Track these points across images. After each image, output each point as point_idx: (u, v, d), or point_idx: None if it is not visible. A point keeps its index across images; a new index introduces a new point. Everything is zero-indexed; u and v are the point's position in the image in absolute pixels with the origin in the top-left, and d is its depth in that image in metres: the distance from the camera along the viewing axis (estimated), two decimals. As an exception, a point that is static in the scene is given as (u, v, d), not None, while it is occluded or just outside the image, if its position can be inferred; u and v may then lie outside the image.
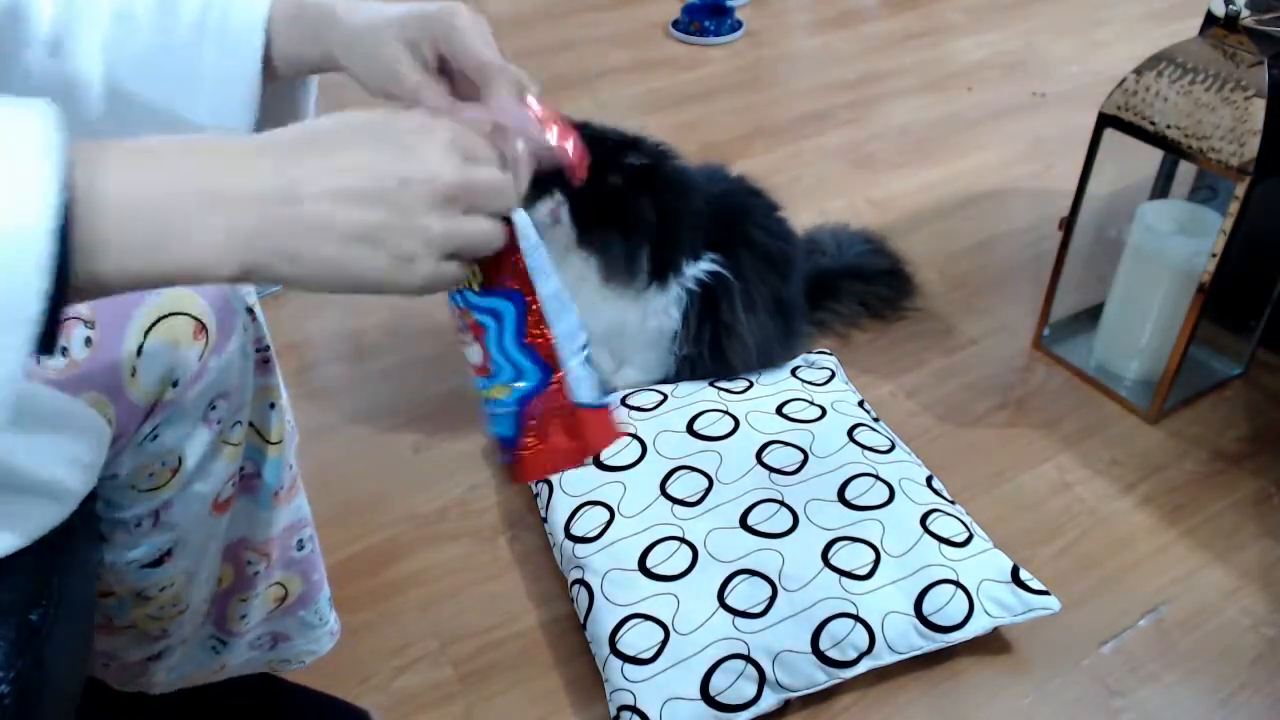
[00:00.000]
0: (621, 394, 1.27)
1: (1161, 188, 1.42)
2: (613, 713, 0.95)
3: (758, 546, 1.05)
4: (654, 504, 1.10)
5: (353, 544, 1.19)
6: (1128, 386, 1.38)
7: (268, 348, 0.74)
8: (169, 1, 0.64)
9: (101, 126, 0.63)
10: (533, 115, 0.63)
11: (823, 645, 0.97)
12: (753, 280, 1.28)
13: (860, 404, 1.27)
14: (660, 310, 1.26)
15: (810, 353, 1.39)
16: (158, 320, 0.60)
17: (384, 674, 1.04)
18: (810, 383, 1.30)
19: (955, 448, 1.30)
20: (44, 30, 0.63)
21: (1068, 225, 1.36)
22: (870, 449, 1.17)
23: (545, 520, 1.15)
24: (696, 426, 1.20)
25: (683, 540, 1.06)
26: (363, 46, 0.64)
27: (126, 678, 0.82)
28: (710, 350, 1.30)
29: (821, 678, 0.97)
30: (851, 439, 1.18)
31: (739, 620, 0.99)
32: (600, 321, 1.28)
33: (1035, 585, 1.03)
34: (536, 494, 1.18)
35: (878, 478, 1.12)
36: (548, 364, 0.69)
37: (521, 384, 0.71)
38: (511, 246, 0.59)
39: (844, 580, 1.01)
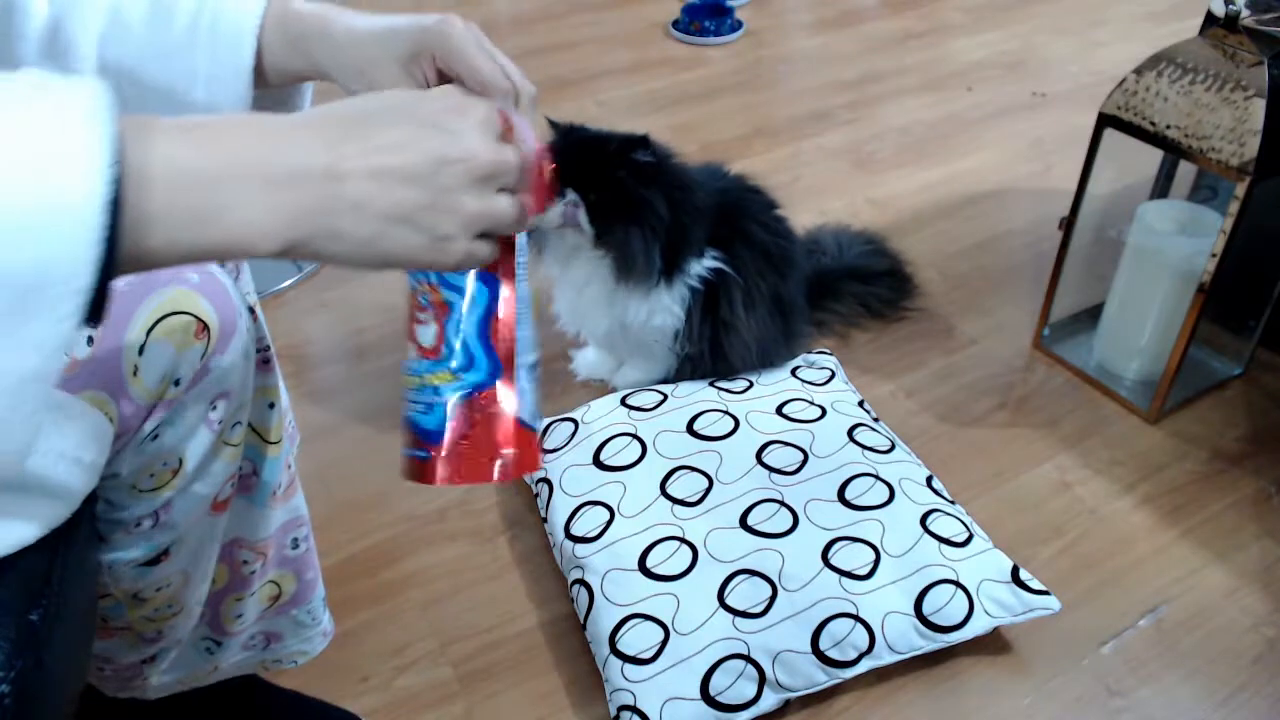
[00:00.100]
0: (622, 394, 1.27)
1: (1161, 188, 1.42)
2: (613, 713, 0.95)
3: (758, 546, 1.05)
4: (654, 504, 1.10)
5: (353, 544, 1.19)
6: (1128, 386, 1.38)
7: (268, 348, 0.74)
8: (161, 6, 0.65)
9: None
10: (529, 127, 0.63)
11: (823, 645, 0.97)
12: (752, 277, 1.28)
13: (860, 404, 1.27)
14: (664, 308, 1.26)
15: (810, 353, 1.39)
16: (160, 319, 0.60)
17: (384, 674, 1.04)
18: (810, 383, 1.30)
19: (955, 448, 1.30)
20: (39, 25, 0.63)
21: (1068, 225, 1.36)
22: (870, 449, 1.17)
23: (545, 520, 1.15)
24: (696, 426, 1.20)
25: (683, 540, 1.06)
26: (351, 59, 0.65)
27: (121, 682, 0.82)
28: (710, 348, 1.30)
29: (821, 678, 0.97)
30: (851, 439, 1.18)
31: (739, 620, 0.99)
32: (604, 321, 1.28)
33: (1035, 585, 1.03)
34: (537, 494, 1.18)
35: (878, 478, 1.12)
36: (502, 364, 0.67)
37: (468, 376, 0.68)
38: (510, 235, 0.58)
39: (844, 580, 1.01)
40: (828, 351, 1.40)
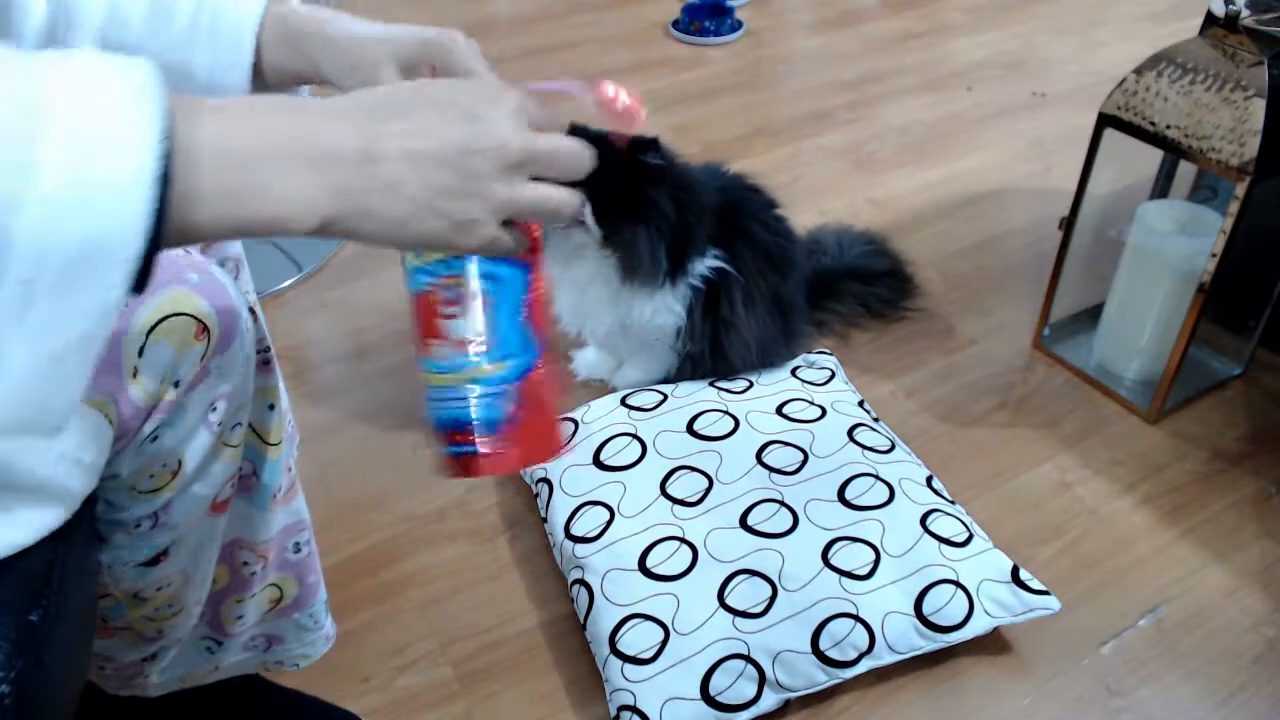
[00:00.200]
0: (621, 394, 1.27)
1: (1161, 188, 1.42)
2: (613, 713, 0.95)
3: (758, 546, 1.05)
4: (654, 504, 1.10)
5: (353, 544, 1.19)
6: (1128, 386, 1.38)
7: (268, 349, 0.74)
8: (161, 5, 0.65)
9: None
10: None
11: (823, 645, 0.97)
12: (752, 276, 1.28)
13: (860, 404, 1.27)
14: (667, 307, 1.26)
15: (810, 353, 1.39)
16: (160, 320, 0.60)
17: (384, 674, 1.04)
18: (810, 383, 1.30)
19: (955, 448, 1.30)
20: (37, 23, 0.63)
21: (1068, 225, 1.36)
22: (870, 449, 1.17)
23: (545, 520, 1.15)
24: (696, 426, 1.20)
25: (683, 540, 1.06)
26: (351, 61, 0.66)
27: (122, 680, 0.82)
28: (711, 347, 1.30)
29: (821, 678, 0.97)
30: (851, 439, 1.18)
31: (739, 620, 0.99)
32: (607, 321, 1.29)
33: (1035, 585, 1.03)
34: (536, 494, 1.18)
35: (878, 478, 1.12)
36: (539, 346, 0.68)
37: (517, 360, 0.68)
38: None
39: (844, 580, 1.01)
40: (828, 351, 1.40)
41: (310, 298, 1.62)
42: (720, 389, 1.28)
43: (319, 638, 0.92)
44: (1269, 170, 1.12)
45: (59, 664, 0.57)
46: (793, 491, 1.11)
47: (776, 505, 1.09)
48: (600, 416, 1.22)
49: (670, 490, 1.12)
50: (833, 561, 1.03)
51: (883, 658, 0.99)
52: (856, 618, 0.98)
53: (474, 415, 0.70)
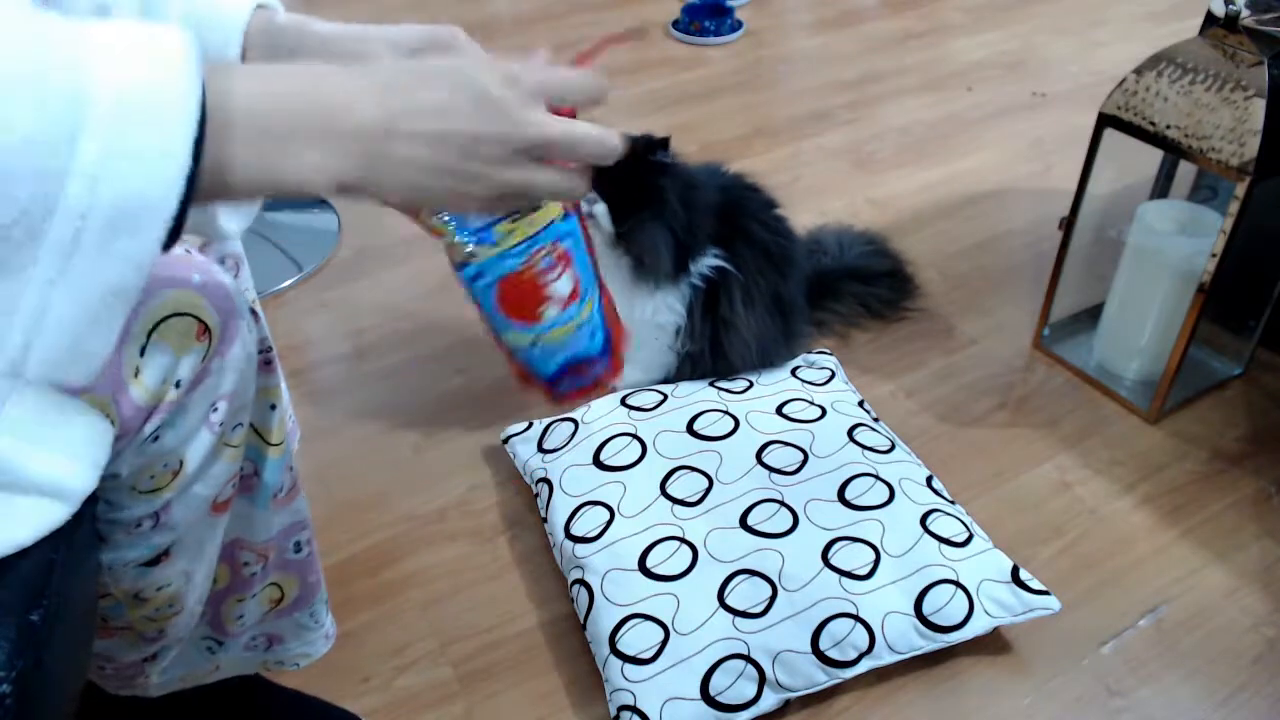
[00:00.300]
0: (622, 394, 1.27)
1: (1161, 188, 1.42)
2: (613, 713, 0.95)
3: (758, 546, 1.05)
4: (654, 504, 1.10)
5: (353, 544, 1.19)
6: (1128, 386, 1.38)
7: (270, 349, 0.74)
8: (149, 6, 0.66)
9: None
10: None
11: (823, 645, 0.97)
12: (752, 275, 1.28)
13: (860, 404, 1.27)
14: (668, 306, 1.26)
15: (810, 353, 1.39)
16: (161, 321, 0.60)
17: (384, 674, 1.04)
18: (810, 383, 1.30)
19: (955, 448, 1.30)
20: None
21: (1068, 225, 1.36)
22: (870, 449, 1.17)
23: (545, 520, 1.15)
24: (696, 426, 1.20)
25: (683, 540, 1.06)
26: (349, 51, 0.66)
27: (122, 680, 0.82)
28: (710, 347, 1.30)
29: (821, 678, 0.97)
30: (851, 439, 1.18)
31: (739, 620, 0.99)
32: None
33: (1035, 585, 1.03)
34: (536, 494, 1.18)
35: (878, 478, 1.12)
36: (600, 280, 0.81)
37: (597, 295, 0.82)
38: None
39: (844, 580, 1.01)
40: (828, 351, 1.40)
41: (310, 298, 1.62)
42: (720, 389, 1.28)
43: (319, 637, 0.92)
44: (1269, 170, 1.12)
45: (59, 664, 0.57)
46: (793, 491, 1.11)
47: (776, 505, 1.09)
48: (600, 416, 1.22)
49: (670, 490, 1.12)
50: (833, 561, 1.03)
51: (883, 658, 0.99)
52: (856, 618, 0.98)
53: (591, 348, 0.84)
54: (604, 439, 1.18)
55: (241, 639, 0.85)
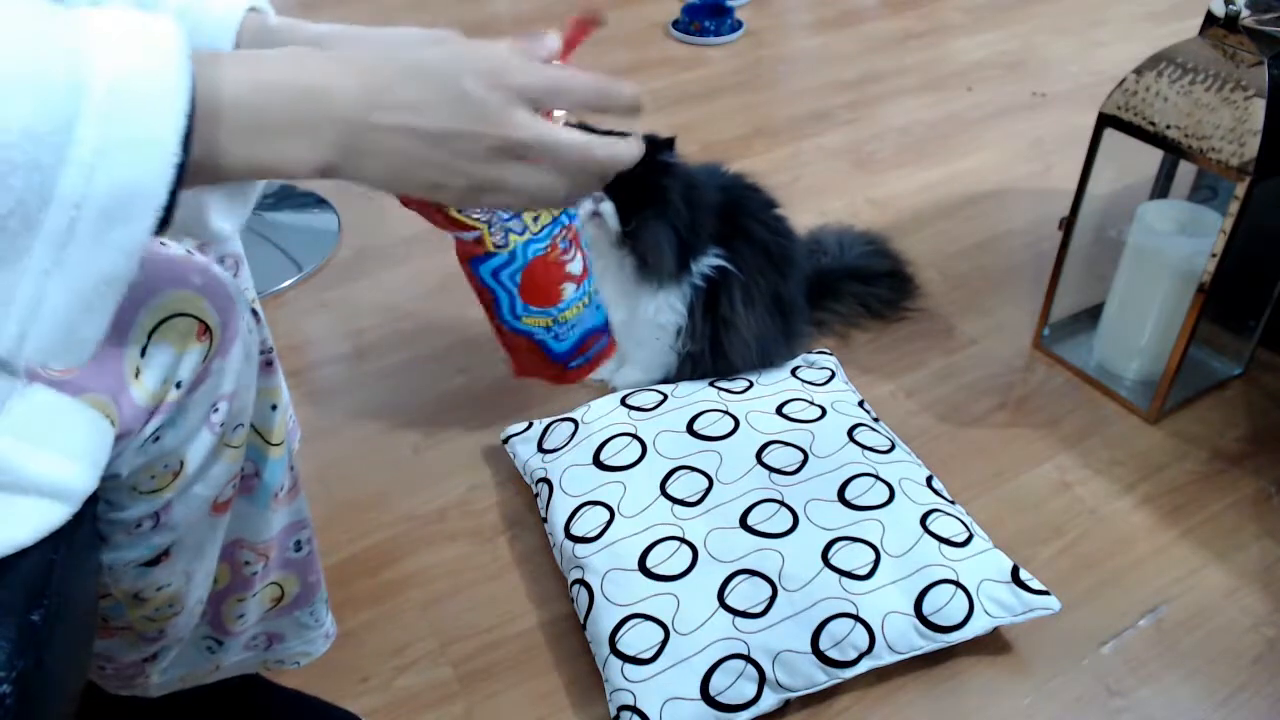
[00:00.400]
0: (621, 394, 1.27)
1: (1161, 188, 1.42)
2: (613, 713, 0.95)
3: (758, 546, 1.05)
4: (654, 504, 1.10)
5: (353, 544, 1.19)
6: (1128, 386, 1.38)
7: (271, 349, 0.74)
8: (143, 4, 0.66)
9: None
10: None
11: (823, 645, 0.97)
12: (751, 274, 1.29)
13: (860, 404, 1.27)
14: (670, 306, 1.27)
15: (810, 353, 1.39)
16: (161, 321, 0.60)
17: (384, 674, 1.04)
18: (810, 383, 1.30)
19: (955, 448, 1.30)
20: None
21: (1068, 225, 1.36)
22: (870, 449, 1.17)
23: (545, 520, 1.15)
24: (696, 426, 1.20)
25: (683, 540, 1.06)
26: (346, 46, 0.67)
27: (122, 680, 0.82)
28: (711, 346, 1.30)
29: (821, 678, 0.97)
30: (851, 439, 1.18)
31: (739, 620, 0.99)
32: (612, 320, 1.29)
33: (1035, 585, 1.03)
34: (536, 494, 1.18)
35: (878, 478, 1.12)
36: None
37: (592, 274, 0.91)
38: None
39: (844, 580, 1.01)
40: (828, 351, 1.40)
41: (310, 298, 1.62)
42: (720, 389, 1.28)
43: (319, 636, 0.92)
44: (1269, 170, 1.12)
45: (59, 664, 0.57)
46: (793, 491, 1.11)
47: (776, 505, 1.09)
48: (600, 416, 1.22)
49: (670, 490, 1.12)
50: (833, 561, 1.03)
51: (883, 658, 0.99)
52: (856, 618, 0.98)
53: (597, 321, 0.94)
54: (604, 439, 1.18)
55: (242, 638, 0.85)
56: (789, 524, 1.07)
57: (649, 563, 1.04)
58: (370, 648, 1.07)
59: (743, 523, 1.08)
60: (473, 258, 0.93)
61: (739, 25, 2.50)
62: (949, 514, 1.09)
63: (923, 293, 1.56)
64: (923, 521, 1.07)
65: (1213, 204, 1.35)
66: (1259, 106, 1.10)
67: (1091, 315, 1.47)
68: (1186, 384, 1.37)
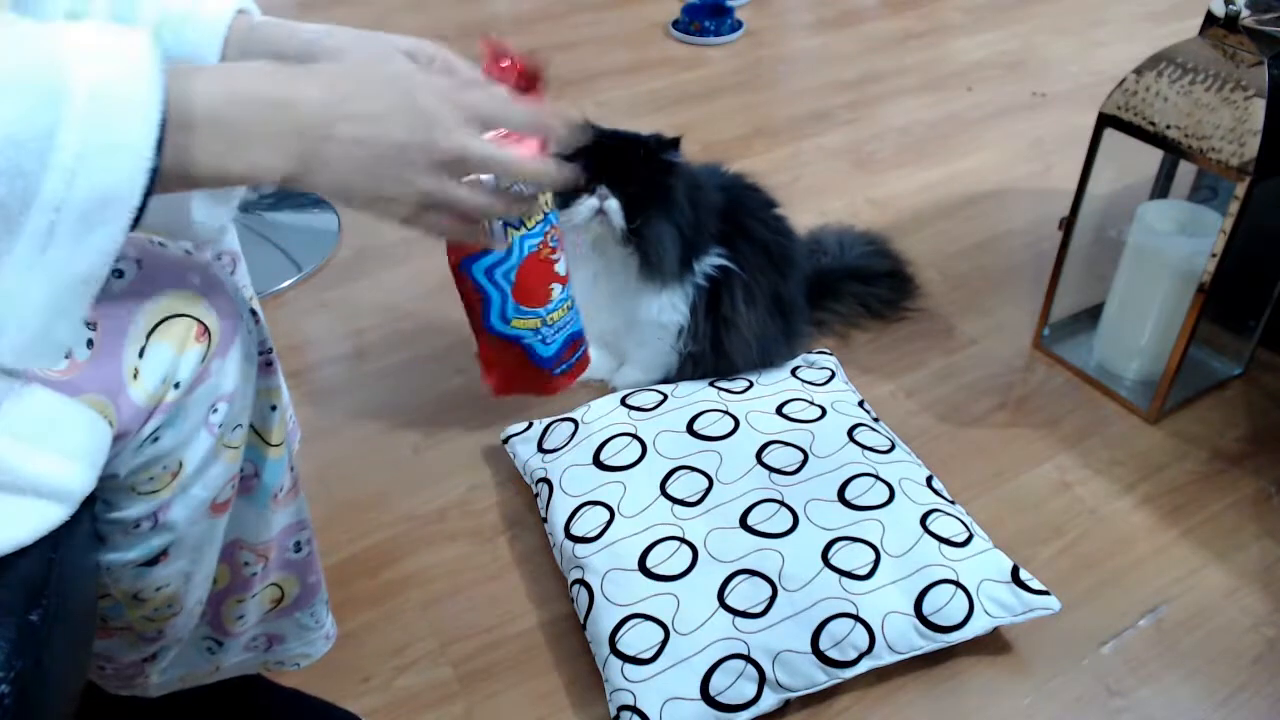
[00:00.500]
0: (621, 394, 1.27)
1: (1161, 188, 1.42)
2: (613, 713, 0.95)
3: (758, 546, 1.05)
4: (654, 504, 1.10)
5: (353, 544, 1.19)
6: (1128, 386, 1.38)
7: (270, 350, 0.74)
8: (122, 15, 0.67)
9: None
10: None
11: (823, 645, 0.97)
12: (752, 274, 1.29)
13: (860, 404, 1.27)
14: (673, 305, 1.27)
15: (810, 353, 1.39)
16: (160, 322, 0.60)
17: (384, 674, 1.04)
18: (810, 383, 1.30)
19: (955, 448, 1.30)
20: None
21: (1068, 225, 1.36)
22: (870, 449, 1.17)
23: (545, 520, 1.15)
24: (696, 426, 1.20)
25: (683, 540, 1.06)
26: (335, 48, 0.69)
27: (122, 680, 0.82)
28: (712, 346, 1.30)
29: (821, 678, 0.97)
30: (851, 439, 1.18)
31: (739, 620, 0.99)
32: (613, 319, 1.29)
33: (1035, 585, 1.03)
34: (536, 494, 1.18)
35: (878, 478, 1.12)
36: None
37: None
38: None
39: (844, 580, 1.01)
40: (828, 351, 1.40)
41: (310, 298, 1.62)
42: (720, 389, 1.28)
43: (320, 637, 0.92)
44: (1269, 170, 1.12)
45: (58, 664, 0.57)
46: (793, 491, 1.11)
47: (776, 505, 1.09)
48: (600, 416, 1.22)
49: (670, 490, 1.12)
50: (833, 561, 1.03)
51: (883, 658, 0.99)
52: (856, 618, 0.98)
53: (579, 324, 0.92)
54: (604, 439, 1.18)
55: (242, 639, 0.85)
56: (789, 524, 1.07)
57: (649, 563, 1.04)
58: (370, 648, 1.07)
59: (743, 523, 1.08)
60: (466, 256, 0.94)
61: (739, 25, 2.50)
62: (949, 514, 1.09)
63: (923, 293, 1.56)
64: (923, 521, 1.07)
65: (1213, 204, 1.35)
66: (1259, 106, 1.10)
67: (1091, 315, 1.47)
68: (1186, 384, 1.37)
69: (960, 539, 1.06)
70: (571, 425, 1.22)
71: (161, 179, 0.49)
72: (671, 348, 1.32)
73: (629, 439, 1.18)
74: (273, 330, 0.74)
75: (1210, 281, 1.20)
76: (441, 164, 0.60)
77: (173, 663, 0.82)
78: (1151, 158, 1.35)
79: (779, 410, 1.23)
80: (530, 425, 1.25)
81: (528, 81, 0.76)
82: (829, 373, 1.33)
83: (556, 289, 0.91)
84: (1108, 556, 1.15)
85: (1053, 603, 1.02)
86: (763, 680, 0.96)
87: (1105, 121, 1.26)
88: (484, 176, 0.67)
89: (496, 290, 0.93)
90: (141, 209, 0.48)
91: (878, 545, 1.04)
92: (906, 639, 0.99)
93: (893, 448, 1.18)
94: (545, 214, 0.89)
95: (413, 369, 1.46)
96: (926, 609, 1.00)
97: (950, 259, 1.66)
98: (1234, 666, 1.03)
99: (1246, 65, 1.14)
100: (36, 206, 0.44)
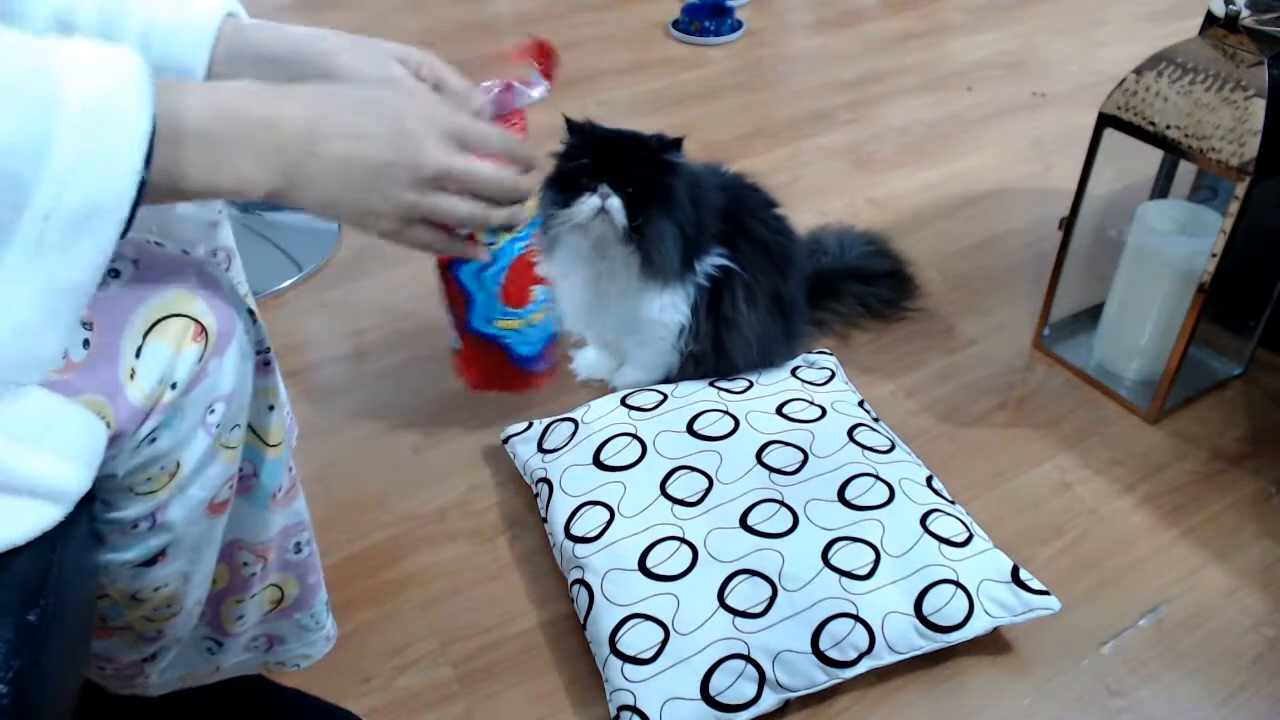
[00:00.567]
0: (621, 394, 1.27)
1: (1161, 188, 1.42)
2: (613, 713, 0.95)
3: (758, 546, 1.05)
4: (654, 504, 1.10)
5: (353, 544, 1.19)
6: (1128, 386, 1.38)
7: (268, 350, 0.73)
8: (110, 22, 0.67)
9: None
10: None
11: (823, 645, 0.97)
12: (753, 273, 1.28)
13: (860, 404, 1.27)
14: (674, 305, 1.27)
15: (810, 353, 1.39)
16: (157, 322, 0.60)
17: (384, 674, 1.04)
18: (810, 383, 1.30)
19: (955, 448, 1.30)
20: None
21: (1068, 225, 1.36)
22: (870, 449, 1.17)
23: (545, 520, 1.15)
24: (696, 426, 1.20)
25: (683, 540, 1.06)
26: (312, 66, 0.70)
27: (122, 680, 0.82)
28: (712, 345, 1.30)
29: (821, 678, 0.97)
30: (851, 439, 1.18)
31: (739, 620, 0.98)
32: (614, 319, 1.29)
33: (1035, 585, 1.03)
34: (536, 494, 1.18)
35: (878, 478, 1.12)
36: None
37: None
38: None
39: (844, 580, 1.01)
40: (828, 351, 1.40)
41: (310, 298, 1.62)
42: (720, 389, 1.28)
43: (320, 638, 0.92)
44: (1269, 170, 1.12)
45: (57, 664, 0.57)
46: (793, 491, 1.11)
47: (776, 505, 1.09)
48: (600, 416, 1.22)
49: (670, 490, 1.12)
50: (833, 561, 1.03)
51: (883, 658, 0.99)
52: (856, 618, 0.98)
53: (556, 326, 0.97)
54: (604, 439, 1.18)
55: (241, 640, 0.85)
56: (789, 524, 1.07)
57: (649, 563, 1.04)
58: (370, 648, 1.07)
59: (743, 523, 1.08)
60: (462, 259, 0.95)
61: (739, 25, 2.50)
62: (949, 514, 1.09)
63: (923, 293, 1.56)
64: (923, 521, 1.07)
65: (1213, 204, 1.35)
66: (1259, 106, 1.10)
67: (1091, 315, 1.47)
68: (1186, 384, 1.36)
69: (960, 539, 1.06)
70: (571, 425, 1.22)
71: (150, 191, 0.50)
72: (673, 347, 1.32)
73: (629, 439, 1.18)
74: (272, 330, 0.74)
75: (1210, 281, 1.20)
76: (425, 181, 0.62)
77: (172, 663, 0.82)
78: (1151, 158, 1.35)
79: (779, 410, 1.23)
80: (530, 425, 1.25)
81: (547, 63, 0.80)
82: (829, 373, 1.33)
83: (538, 290, 0.94)
84: (1108, 556, 1.15)
85: (1053, 603, 1.02)
86: (763, 680, 0.96)
87: (1105, 121, 1.26)
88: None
89: (482, 291, 0.94)
90: (129, 221, 0.49)
91: (878, 545, 1.04)
92: (906, 639, 0.99)
93: (893, 448, 1.18)
94: (529, 220, 0.92)
95: (413, 369, 1.46)
96: (926, 609, 1.00)
97: (950, 259, 1.66)
98: (1234, 666, 1.03)
99: (1246, 65, 1.14)
100: (27, 215, 0.45)
